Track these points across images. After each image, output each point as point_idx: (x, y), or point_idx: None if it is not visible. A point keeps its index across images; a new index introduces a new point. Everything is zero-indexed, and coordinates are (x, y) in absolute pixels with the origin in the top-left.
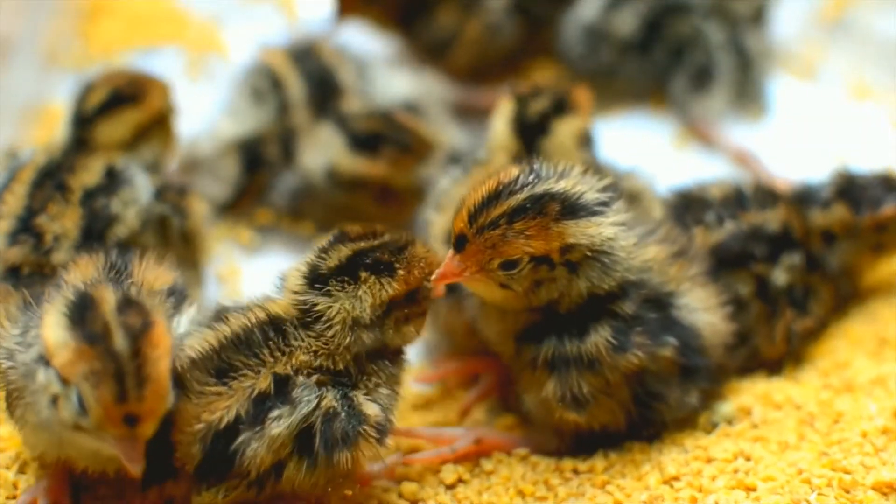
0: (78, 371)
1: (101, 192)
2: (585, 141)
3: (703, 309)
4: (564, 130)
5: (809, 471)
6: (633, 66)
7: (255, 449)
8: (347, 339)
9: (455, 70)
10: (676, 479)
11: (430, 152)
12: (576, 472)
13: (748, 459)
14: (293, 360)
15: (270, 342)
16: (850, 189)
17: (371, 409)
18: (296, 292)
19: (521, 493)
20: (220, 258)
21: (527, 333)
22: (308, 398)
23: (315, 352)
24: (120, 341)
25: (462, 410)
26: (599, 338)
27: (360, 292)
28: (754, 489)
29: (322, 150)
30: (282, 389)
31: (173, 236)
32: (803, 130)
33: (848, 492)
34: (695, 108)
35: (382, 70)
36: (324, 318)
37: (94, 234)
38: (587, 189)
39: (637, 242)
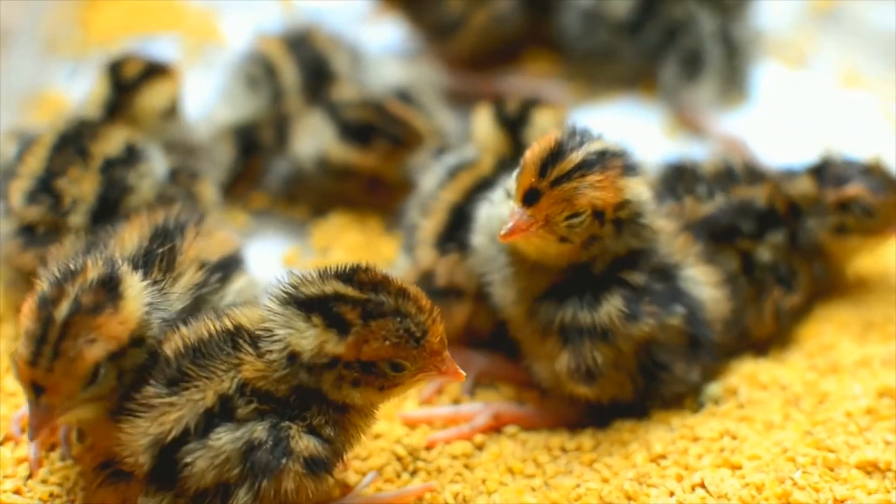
0: (22, 325)
1: (121, 164)
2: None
3: (706, 283)
4: (544, 119)
5: (794, 450)
6: (628, 47)
7: (199, 463)
8: (283, 371)
9: (457, 55)
10: (663, 457)
11: (423, 144)
12: (564, 450)
13: (734, 438)
14: (240, 376)
15: (224, 354)
16: (823, 167)
17: (304, 443)
18: (270, 303)
19: (510, 471)
20: None
21: (547, 294)
22: (246, 423)
23: (260, 371)
24: (61, 311)
25: (423, 401)
26: (612, 307)
27: (306, 332)
28: (740, 467)
29: (313, 138)
30: (226, 408)
31: None
32: (794, 118)
33: (832, 470)
34: (684, 96)
35: (375, 57)
36: (272, 337)
37: (109, 201)
38: (625, 151)
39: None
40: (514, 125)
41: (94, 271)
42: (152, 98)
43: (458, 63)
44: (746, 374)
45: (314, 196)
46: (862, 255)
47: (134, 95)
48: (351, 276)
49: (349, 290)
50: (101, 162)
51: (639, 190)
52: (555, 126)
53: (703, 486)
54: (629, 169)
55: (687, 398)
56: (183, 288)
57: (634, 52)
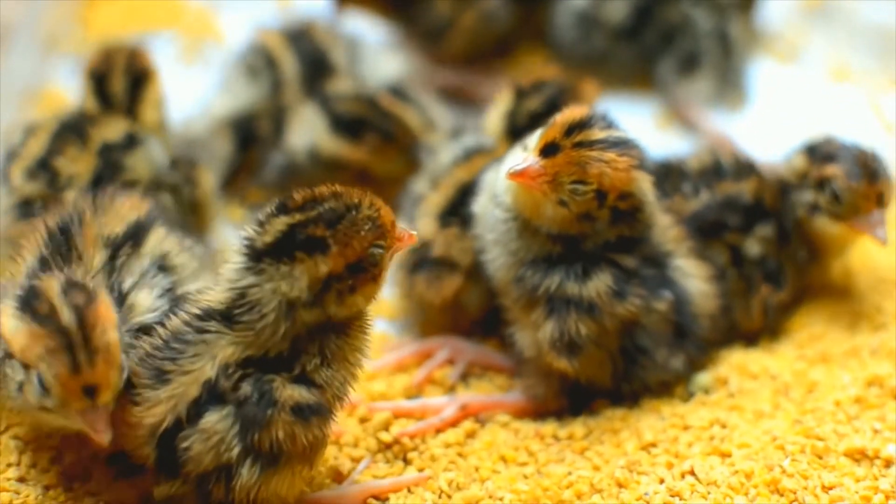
0: (34, 353)
1: (119, 148)
2: None
3: (695, 276)
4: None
5: (783, 438)
6: (624, 52)
7: (195, 447)
8: (283, 325)
9: (450, 57)
10: (654, 445)
11: (414, 141)
12: (556, 438)
13: (724, 427)
14: (218, 357)
15: (199, 339)
16: (819, 145)
17: (288, 391)
18: (231, 278)
19: (503, 459)
20: (212, 235)
21: (537, 261)
22: (232, 395)
23: (243, 343)
24: (67, 317)
25: (416, 385)
26: (601, 283)
27: (296, 272)
28: (729, 455)
29: (305, 130)
30: (213, 392)
31: (183, 205)
32: (785, 112)
33: (821, 458)
34: (679, 92)
35: (372, 51)
36: (258, 306)
37: (104, 180)
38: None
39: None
40: (519, 135)
41: (55, 283)
42: (146, 112)
43: (453, 63)
44: (736, 363)
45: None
46: (842, 248)
47: (128, 111)
48: (286, 206)
49: (297, 216)
50: (100, 146)
51: (645, 187)
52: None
53: (692, 473)
54: (644, 164)
55: (677, 387)
56: (92, 270)
57: (630, 56)
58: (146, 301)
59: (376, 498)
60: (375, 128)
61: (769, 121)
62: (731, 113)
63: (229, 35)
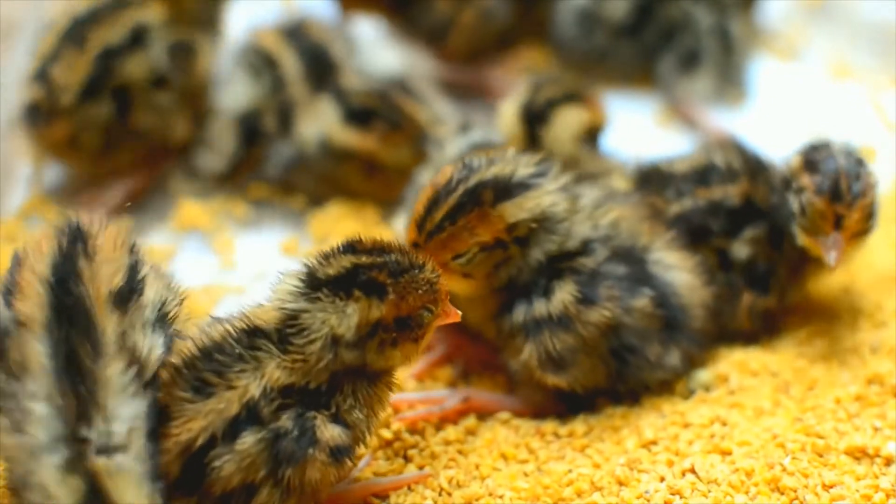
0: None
1: (118, 52)
2: (588, 137)
3: (678, 267)
4: (563, 121)
5: (784, 436)
6: (625, 49)
7: (226, 468)
8: (327, 357)
9: (452, 55)
10: (654, 443)
11: (421, 133)
12: (556, 435)
13: (724, 425)
14: (265, 378)
15: (245, 357)
16: (813, 149)
17: (329, 432)
18: (284, 299)
19: (503, 456)
20: (215, 232)
21: (501, 310)
22: (271, 422)
23: (290, 368)
24: None
25: (416, 376)
26: (564, 294)
27: (349, 309)
28: (730, 453)
29: (318, 121)
30: (252, 413)
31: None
32: (785, 110)
33: (821, 456)
34: (680, 89)
35: (368, 45)
36: (306, 331)
37: (99, 86)
38: (517, 167)
39: (600, 203)
40: (534, 120)
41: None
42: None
43: (454, 61)
44: (737, 361)
45: (314, 183)
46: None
47: None
48: (354, 247)
49: (364, 259)
50: (99, 50)
51: (528, 205)
52: (571, 132)
53: (693, 471)
54: (508, 192)
55: (677, 385)
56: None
57: (632, 54)
58: (155, 355)
59: (377, 496)
60: (383, 117)
61: (769, 118)
62: (732, 110)
63: (228, 32)
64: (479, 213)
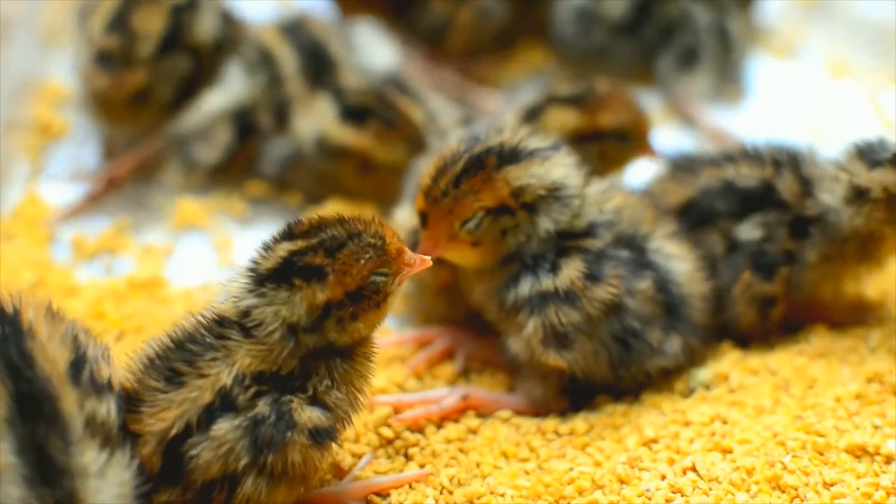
0: None
1: (184, 9)
2: (579, 139)
3: (678, 257)
4: (553, 120)
5: (784, 434)
6: (624, 48)
7: (204, 455)
8: (288, 345)
9: (452, 55)
10: (655, 441)
11: (416, 133)
12: (557, 434)
13: (725, 423)
14: (236, 365)
15: (215, 346)
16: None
17: (307, 414)
18: (237, 297)
19: (504, 454)
20: (213, 230)
21: (507, 284)
22: (246, 409)
23: (259, 357)
24: None
25: (413, 370)
26: (572, 270)
27: (294, 299)
28: (730, 451)
29: (315, 119)
30: (226, 400)
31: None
32: (783, 108)
33: (821, 454)
34: (678, 87)
35: (364, 42)
36: (262, 325)
37: (175, 40)
38: (528, 139)
39: (604, 190)
40: (531, 115)
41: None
42: None
43: (454, 61)
44: (737, 359)
45: (309, 180)
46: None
47: None
48: (290, 233)
49: (299, 243)
50: (171, 5)
51: (536, 171)
52: (558, 132)
53: (694, 469)
54: (514, 156)
55: (678, 384)
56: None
57: (630, 52)
58: (114, 414)
59: (378, 494)
60: (379, 116)
61: (768, 116)
62: (730, 108)
63: None
64: (482, 176)
